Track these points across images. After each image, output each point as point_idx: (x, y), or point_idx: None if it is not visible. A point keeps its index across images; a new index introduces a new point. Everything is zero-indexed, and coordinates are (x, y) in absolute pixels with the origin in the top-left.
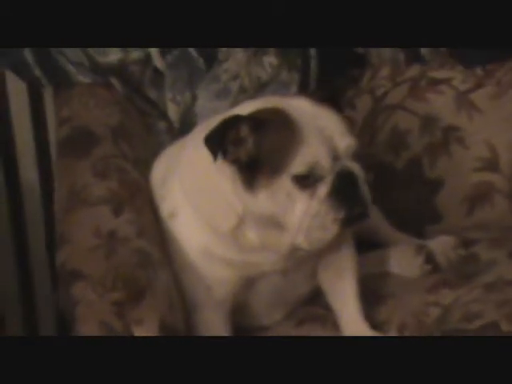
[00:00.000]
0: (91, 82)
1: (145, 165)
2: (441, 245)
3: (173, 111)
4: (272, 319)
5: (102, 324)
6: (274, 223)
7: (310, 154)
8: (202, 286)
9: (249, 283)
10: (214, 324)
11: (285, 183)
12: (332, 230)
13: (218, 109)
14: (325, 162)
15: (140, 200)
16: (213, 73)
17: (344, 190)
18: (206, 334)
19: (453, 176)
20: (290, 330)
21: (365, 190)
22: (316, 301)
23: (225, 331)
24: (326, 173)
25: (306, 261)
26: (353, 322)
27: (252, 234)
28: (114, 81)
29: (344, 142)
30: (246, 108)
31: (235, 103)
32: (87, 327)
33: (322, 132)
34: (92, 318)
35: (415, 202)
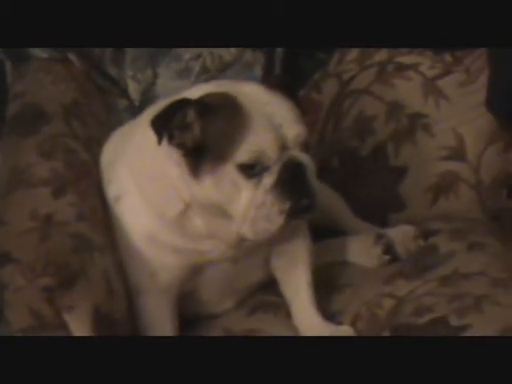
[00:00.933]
0: (49, 57)
1: (98, 145)
2: (401, 234)
3: (133, 89)
4: (223, 307)
5: (32, 310)
6: (220, 211)
7: (255, 142)
8: (147, 271)
9: (196, 270)
10: (157, 310)
11: (230, 171)
12: (277, 221)
13: (180, 88)
14: (271, 151)
15: (86, 182)
16: (175, 51)
17: (290, 181)
18: (148, 320)
19: (417, 164)
20: (241, 319)
21: (313, 182)
22: (270, 288)
23: (168, 318)
24: (272, 162)
25: (258, 249)
26: (304, 312)
27: (198, 222)
28: (73, 56)
29: (293, 130)
30: (195, 92)
31: (196, 83)
32: (16, 313)
33: (271, 120)
34: (21, 304)
35: (379, 190)
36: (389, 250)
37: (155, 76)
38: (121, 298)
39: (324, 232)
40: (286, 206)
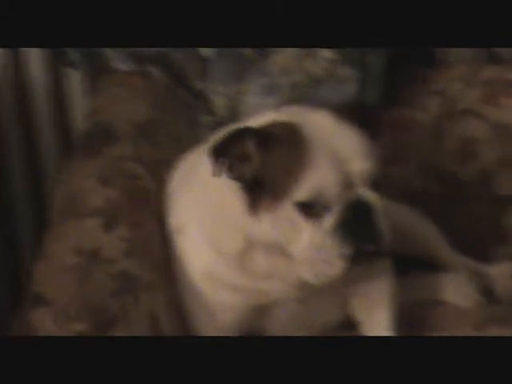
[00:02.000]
0: (128, 70)
1: (167, 168)
2: (501, 272)
3: (219, 105)
4: None
5: None
6: (281, 251)
7: (316, 179)
8: (205, 311)
9: (260, 311)
10: None
11: (288, 210)
12: (338, 266)
13: (267, 105)
14: (332, 189)
15: (142, 212)
16: (262, 65)
17: (353, 223)
18: None
19: None
20: None
21: (380, 224)
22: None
23: None
24: (333, 202)
25: (329, 290)
26: None
27: (259, 260)
28: (154, 69)
29: (360, 166)
30: (260, 119)
31: (285, 100)
32: None
33: (336, 154)
34: None
35: (482, 220)
36: (486, 289)
37: (242, 92)
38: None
39: (416, 265)
40: (348, 250)
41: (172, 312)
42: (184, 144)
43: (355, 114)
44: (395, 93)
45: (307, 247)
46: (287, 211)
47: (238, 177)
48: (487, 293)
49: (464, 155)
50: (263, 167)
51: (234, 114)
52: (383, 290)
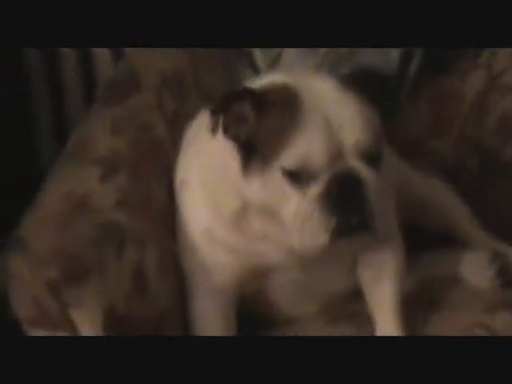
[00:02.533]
0: None
1: (189, 121)
2: None
3: (261, 59)
4: (302, 312)
5: (35, 302)
6: (273, 215)
7: (304, 146)
8: (202, 268)
9: (259, 274)
10: (211, 310)
11: (276, 175)
12: (322, 238)
13: (305, 61)
14: (319, 158)
15: (148, 164)
16: None
17: (340, 195)
18: (200, 320)
19: None
20: (319, 326)
21: (370, 199)
22: (359, 298)
23: (221, 319)
24: (320, 171)
25: (334, 259)
26: (386, 330)
27: (255, 222)
28: None
29: (353, 137)
30: (262, 81)
31: (322, 61)
32: (20, 303)
33: (329, 123)
34: (25, 295)
35: None
36: (504, 271)
37: (280, 51)
38: (158, 296)
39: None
40: (332, 222)
41: (167, 269)
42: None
43: (363, 83)
44: (442, 62)
45: (293, 215)
46: (275, 176)
47: (233, 137)
48: (505, 275)
49: (505, 133)
50: (257, 129)
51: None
52: (391, 263)
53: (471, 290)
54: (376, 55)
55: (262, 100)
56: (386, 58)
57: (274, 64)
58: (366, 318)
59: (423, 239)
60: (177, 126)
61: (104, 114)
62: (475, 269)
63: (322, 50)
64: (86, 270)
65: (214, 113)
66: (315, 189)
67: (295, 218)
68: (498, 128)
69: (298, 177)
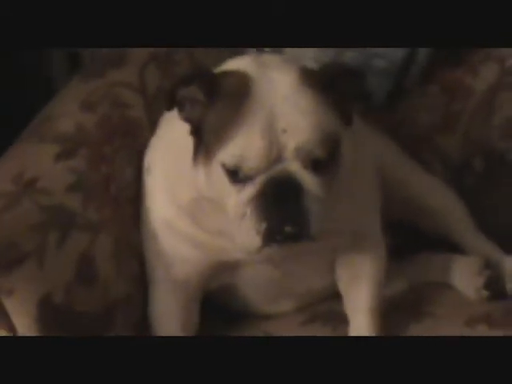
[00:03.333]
0: None
1: None
2: None
3: None
4: (279, 309)
5: None
6: (223, 209)
7: (242, 145)
8: (162, 260)
9: (223, 269)
10: (168, 303)
11: (216, 168)
12: (255, 241)
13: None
14: (256, 159)
15: (116, 143)
16: None
17: (273, 199)
18: (157, 313)
19: None
20: (292, 326)
21: (307, 205)
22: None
23: (179, 313)
24: (256, 172)
25: (312, 257)
26: (360, 334)
27: (209, 215)
28: None
29: (296, 140)
30: (230, 64)
31: None
32: None
33: (274, 123)
34: None
35: None
36: (493, 284)
37: None
38: (109, 286)
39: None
40: (261, 227)
41: (124, 258)
42: None
43: (328, 79)
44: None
45: (232, 212)
46: (216, 169)
47: (185, 118)
48: (492, 287)
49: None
50: (205, 115)
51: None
52: (369, 265)
53: (458, 299)
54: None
55: (215, 85)
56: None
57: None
58: (344, 320)
59: (422, 239)
60: (156, 105)
61: (78, 89)
62: (465, 277)
63: None
64: (21, 255)
65: (170, 89)
66: (250, 190)
67: (234, 216)
68: (505, 128)
69: (235, 174)
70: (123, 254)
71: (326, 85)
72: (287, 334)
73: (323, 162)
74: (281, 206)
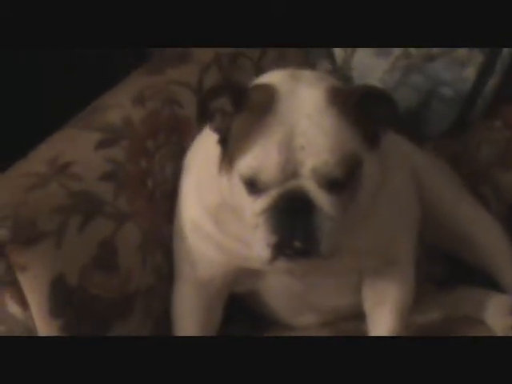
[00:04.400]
0: None
1: None
2: None
3: (339, 54)
4: (302, 322)
5: None
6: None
7: (259, 157)
8: (188, 258)
9: (247, 275)
10: (190, 302)
11: (236, 177)
12: (265, 253)
13: (375, 68)
14: (271, 173)
15: (160, 139)
16: None
17: (284, 214)
18: (178, 309)
19: None
20: None
21: (319, 223)
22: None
23: (199, 312)
24: (269, 186)
25: (338, 274)
26: None
27: (231, 221)
28: None
29: (312, 160)
30: (263, 77)
31: (394, 66)
32: None
33: (293, 139)
34: None
35: None
36: None
37: (354, 49)
38: (130, 275)
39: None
40: (272, 240)
41: (151, 250)
42: None
43: (356, 99)
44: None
45: (248, 222)
46: (236, 178)
47: (214, 128)
48: None
49: None
50: (232, 126)
51: (346, 67)
52: (394, 292)
53: (485, 337)
54: (450, 65)
55: (244, 97)
56: (460, 71)
57: (345, 63)
58: None
59: (464, 272)
60: None
61: (134, 83)
62: (496, 315)
63: (394, 55)
64: (40, 234)
65: (201, 101)
66: (264, 201)
67: (249, 225)
68: None
69: (252, 185)
70: (151, 247)
71: (353, 105)
72: None
73: (340, 182)
74: (292, 220)
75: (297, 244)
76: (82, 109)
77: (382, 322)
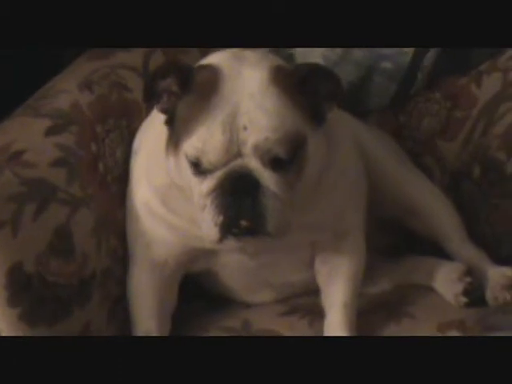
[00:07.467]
0: None
1: None
2: (498, 278)
3: None
4: (257, 299)
5: None
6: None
7: (203, 138)
8: (142, 241)
9: (201, 255)
10: (145, 283)
11: (182, 158)
12: (213, 233)
13: None
14: (215, 154)
15: (110, 124)
16: None
17: (230, 193)
18: (133, 291)
19: None
20: (270, 316)
21: (265, 201)
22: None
23: (154, 293)
24: (214, 167)
25: (290, 250)
26: (332, 331)
27: (181, 201)
28: None
29: (255, 137)
30: (211, 58)
31: None
32: None
33: (236, 119)
34: None
35: None
36: (472, 291)
37: None
38: (86, 259)
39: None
40: (218, 220)
41: (105, 234)
42: None
43: (300, 78)
44: (458, 59)
45: (196, 203)
46: (182, 160)
47: (161, 108)
48: (473, 293)
49: (509, 147)
50: (177, 108)
51: None
52: (346, 263)
53: (439, 303)
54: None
55: (190, 78)
56: (399, 49)
57: None
58: (323, 314)
59: (412, 241)
60: None
61: (81, 68)
62: (446, 282)
63: None
64: None
65: (148, 82)
66: (210, 182)
67: (197, 206)
68: (503, 140)
69: (197, 166)
70: (105, 231)
71: (297, 84)
72: (265, 324)
73: (284, 160)
74: (237, 200)
75: (243, 223)
76: None
77: (335, 293)
